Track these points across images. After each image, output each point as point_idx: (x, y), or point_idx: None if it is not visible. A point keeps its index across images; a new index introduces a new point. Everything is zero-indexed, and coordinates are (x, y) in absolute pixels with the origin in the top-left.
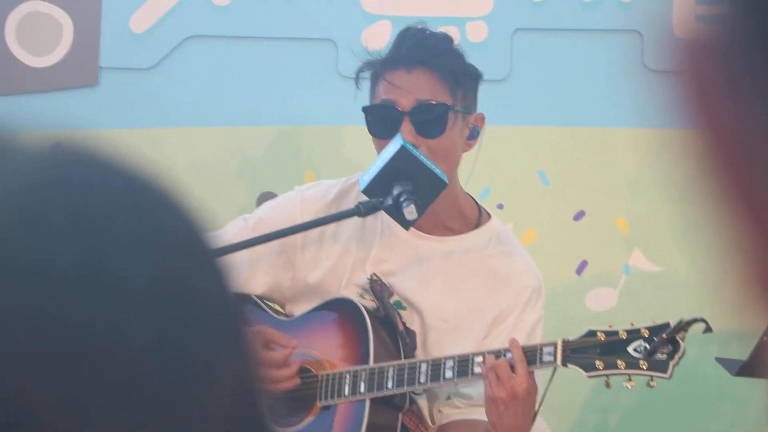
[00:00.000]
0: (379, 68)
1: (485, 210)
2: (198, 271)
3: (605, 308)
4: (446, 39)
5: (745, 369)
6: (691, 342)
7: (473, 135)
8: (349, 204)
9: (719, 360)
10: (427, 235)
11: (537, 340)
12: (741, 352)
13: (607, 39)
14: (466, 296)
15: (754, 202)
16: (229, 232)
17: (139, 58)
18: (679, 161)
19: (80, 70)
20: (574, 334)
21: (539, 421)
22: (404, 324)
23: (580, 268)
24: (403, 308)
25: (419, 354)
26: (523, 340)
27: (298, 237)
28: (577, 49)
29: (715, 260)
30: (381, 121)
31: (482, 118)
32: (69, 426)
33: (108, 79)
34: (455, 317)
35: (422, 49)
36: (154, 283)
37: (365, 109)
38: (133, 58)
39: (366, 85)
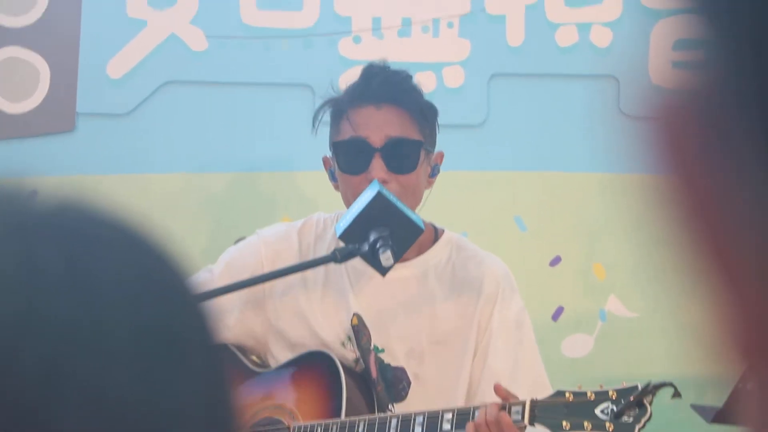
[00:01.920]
0: (344, 105)
1: (435, 226)
2: (183, 318)
3: (581, 354)
4: (409, 76)
5: (721, 416)
6: (666, 389)
7: (434, 173)
8: (310, 247)
9: (694, 407)
10: None
11: (527, 332)
12: (716, 399)
13: (584, 84)
14: (449, 314)
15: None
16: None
17: (116, 103)
18: (654, 207)
19: (57, 115)
20: (550, 379)
21: None
22: (387, 366)
23: (557, 314)
24: (381, 351)
25: (415, 388)
26: (509, 337)
27: (267, 284)
28: (554, 94)
29: (690, 306)
30: (352, 156)
31: (441, 156)
32: None
33: (85, 125)
34: (444, 339)
35: (390, 85)
36: (138, 331)
37: (335, 145)
38: (110, 103)
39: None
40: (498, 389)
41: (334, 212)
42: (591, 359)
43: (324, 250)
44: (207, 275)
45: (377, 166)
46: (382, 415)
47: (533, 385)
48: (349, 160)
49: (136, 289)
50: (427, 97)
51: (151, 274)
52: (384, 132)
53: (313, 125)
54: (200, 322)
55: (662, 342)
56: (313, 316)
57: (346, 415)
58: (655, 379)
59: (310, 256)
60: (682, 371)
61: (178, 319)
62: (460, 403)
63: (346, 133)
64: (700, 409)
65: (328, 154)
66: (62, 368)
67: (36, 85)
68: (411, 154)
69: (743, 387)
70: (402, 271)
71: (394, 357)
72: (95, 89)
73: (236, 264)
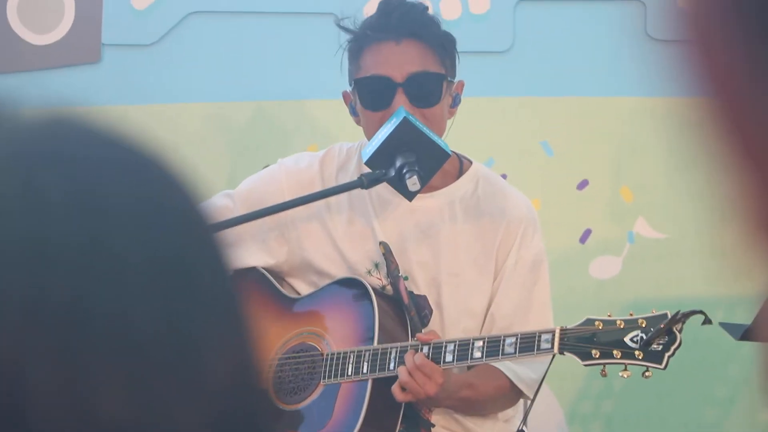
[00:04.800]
0: (363, 41)
1: (464, 157)
2: (197, 248)
3: (609, 276)
4: (425, 8)
5: (749, 333)
6: (695, 307)
7: (456, 102)
8: (332, 176)
9: (723, 325)
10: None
11: (543, 274)
12: (745, 317)
13: (610, 8)
14: (468, 247)
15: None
16: (212, 207)
17: (141, 34)
18: (682, 129)
19: (82, 47)
20: (577, 302)
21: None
22: (411, 294)
23: (584, 237)
24: (406, 278)
25: (435, 315)
26: (524, 279)
27: (290, 211)
28: (580, 19)
29: (718, 226)
30: (374, 92)
31: (462, 85)
32: (68, 408)
33: (110, 56)
34: (462, 270)
35: (408, 20)
36: (153, 262)
37: (356, 82)
38: (136, 34)
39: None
40: (420, 338)
41: (356, 142)
42: (619, 281)
43: (346, 180)
44: (227, 202)
45: (400, 101)
46: (413, 342)
47: (539, 327)
48: (371, 96)
49: (149, 216)
50: (452, 25)
51: (166, 201)
52: (405, 67)
53: (346, 56)
54: (215, 251)
55: (690, 263)
56: (340, 241)
57: (379, 340)
58: (684, 301)
59: (333, 185)
60: (710, 291)
61: (192, 248)
62: (474, 334)
63: (368, 69)
64: (728, 327)
65: (348, 88)
66: (84, 302)
67: (61, 16)
68: (433, 87)
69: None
70: (427, 201)
71: (416, 285)
72: (120, 20)
73: (257, 192)
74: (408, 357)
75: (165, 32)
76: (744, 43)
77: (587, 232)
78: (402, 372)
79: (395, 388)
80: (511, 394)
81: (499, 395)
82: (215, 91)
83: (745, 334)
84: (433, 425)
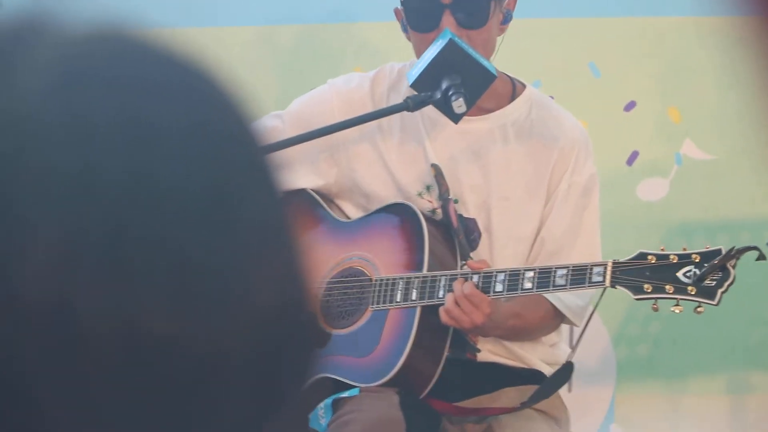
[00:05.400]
0: None
1: (518, 81)
2: (246, 173)
3: (656, 198)
4: None
5: None
6: (744, 228)
7: (507, 19)
8: (383, 96)
9: None
10: (467, 117)
11: (594, 200)
12: None
13: None
14: (520, 170)
15: None
16: (262, 128)
17: None
18: (731, 49)
19: None
20: (625, 224)
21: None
22: (460, 217)
23: (631, 159)
24: (456, 201)
25: (484, 238)
26: (576, 204)
27: (340, 133)
28: None
29: (766, 146)
30: (421, 14)
31: (514, 2)
32: (115, 330)
33: None
34: (513, 194)
35: None
36: (201, 189)
37: (404, 3)
38: None
39: None
40: (471, 265)
41: (407, 62)
42: (667, 202)
43: (398, 99)
44: (277, 122)
45: (448, 22)
46: (463, 271)
47: (586, 252)
48: (419, 17)
49: (198, 143)
50: None
51: (215, 122)
52: None
53: None
54: (265, 175)
55: (738, 184)
56: (391, 163)
57: (429, 265)
58: (732, 223)
59: (384, 106)
60: (758, 212)
61: (241, 174)
62: (522, 260)
63: None
64: None
65: (399, 5)
66: (128, 231)
67: None
68: (481, 8)
69: None
70: (480, 124)
71: (466, 208)
72: None
73: (307, 113)
74: (457, 285)
75: None
76: None
77: (634, 154)
78: (448, 299)
79: (441, 311)
80: (557, 320)
81: (545, 323)
82: (260, 14)
83: None
84: (479, 350)
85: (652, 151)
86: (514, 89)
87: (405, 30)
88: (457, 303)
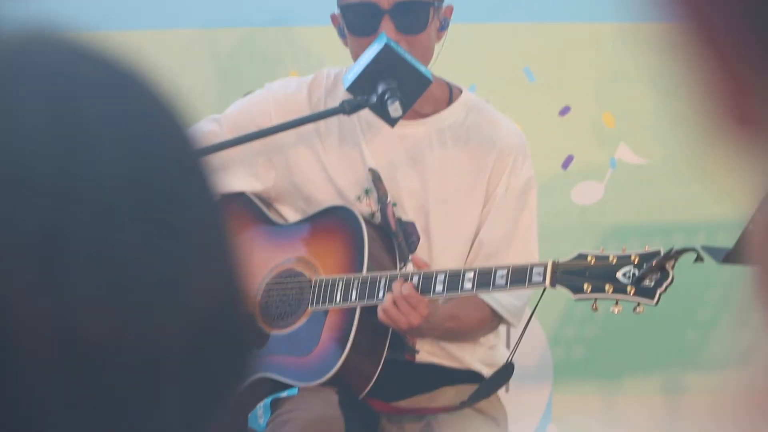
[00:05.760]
0: None
1: (455, 86)
2: (183, 173)
3: (591, 202)
4: None
5: (732, 256)
6: (678, 231)
7: (444, 26)
8: (320, 101)
9: (705, 248)
10: (404, 121)
11: (531, 202)
12: (727, 241)
13: None
14: (457, 174)
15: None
16: (199, 132)
17: None
18: (665, 55)
19: None
20: (560, 228)
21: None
22: (399, 220)
23: (566, 163)
24: (394, 205)
25: (422, 241)
26: (513, 206)
27: (277, 136)
28: None
29: (700, 151)
30: (360, 18)
31: (451, 10)
32: (50, 331)
33: None
34: (451, 197)
35: None
36: (135, 186)
37: (342, 8)
38: None
39: None
40: (415, 260)
41: (344, 66)
42: (601, 206)
43: (335, 104)
44: (214, 126)
45: (386, 27)
46: (403, 272)
47: (523, 254)
48: (357, 22)
49: (132, 140)
50: None
51: (149, 122)
52: None
53: None
54: (202, 176)
55: (672, 188)
56: (330, 167)
57: (368, 268)
58: (666, 226)
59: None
60: (692, 215)
61: (177, 173)
62: (460, 262)
63: None
64: (711, 251)
65: (336, 11)
66: (64, 225)
67: None
68: (420, 14)
69: (752, 228)
70: (417, 128)
71: (404, 211)
72: None
73: (245, 117)
74: (396, 286)
75: None
76: None
77: (569, 158)
78: (387, 299)
79: (379, 310)
80: (494, 321)
81: (482, 325)
82: (196, 17)
83: (728, 257)
84: (417, 351)
85: (586, 155)
86: (451, 94)
87: (342, 35)
88: (395, 303)
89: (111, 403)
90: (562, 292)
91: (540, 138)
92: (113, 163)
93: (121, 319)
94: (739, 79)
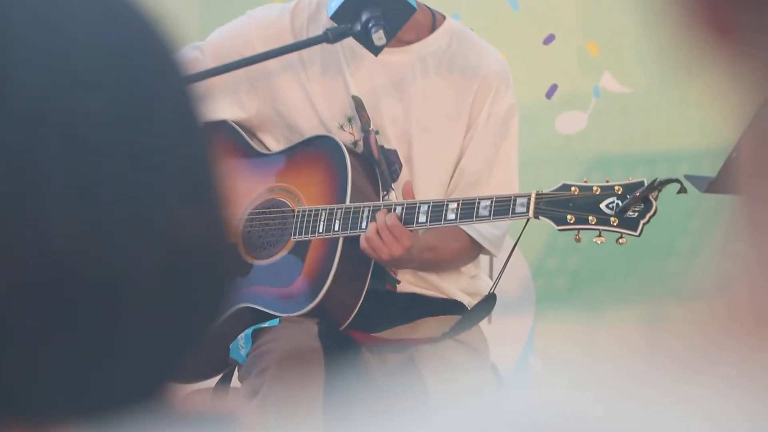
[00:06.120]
0: None
1: (438, 12)
2: (166, 100)
3: (575, 131)
4: None
5: (715, 185)
6: (661, 161)
7: None
8: (303, 28)
9: (688, 177)
10: (388, 49)
11: (513, 130)
12: (710, 170)
13: None
14: (440, 101)
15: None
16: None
17: None
18: None
19: None
20: (543, 157)
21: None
22: (381, 148)
23: (550, 92)
24: (377, 133)
25: (404, 169)
26: (495, 134)
27: (260, 64)
28: None
29: (684, 80)
30: None
31: None
32: (20, 243)
33: None
34: (434, 125)
35: None
36: (117, 115)
37: None
38: None
39: None
40: (406, 189)
41: None
42: (585, 135)
43: (318, 31)
44: (197, 54)
45: None
46: (387, 202)
47: (503, 182)
48: None
49: (116, 67)
50: None
51: (135, 48)
52: None
53: None
54: (186, 103)
55: (656, 117)
56: (313, 95)
57: (351, 197)
58: (649, 155)
59: (304, 37)
60: (675, 144)
61: (161, 100)
62: (442, 191)
63: None
64: (694, 180)
65: None
66: (40, 148)
67: None
68: None
69: (736, 156)
70: (400, 56)
71: (386, 139)
72: None
73: (227, 45)
74: (380, 216)
75: None
76: None
77: (553, 87)
78: (370, 228)
79: (361, 238)
80: (474, 251)
81: (461, 255)
82: None
83: (711, 186)
84: (399, 281)
85: (571, 84)
86: (434, 21)
87: None
88: (378, 233)
89: (85, 329)
90: (546, 223)
91: (524, 67)
92: (98, 92)
93: (96, 242)
94: None
